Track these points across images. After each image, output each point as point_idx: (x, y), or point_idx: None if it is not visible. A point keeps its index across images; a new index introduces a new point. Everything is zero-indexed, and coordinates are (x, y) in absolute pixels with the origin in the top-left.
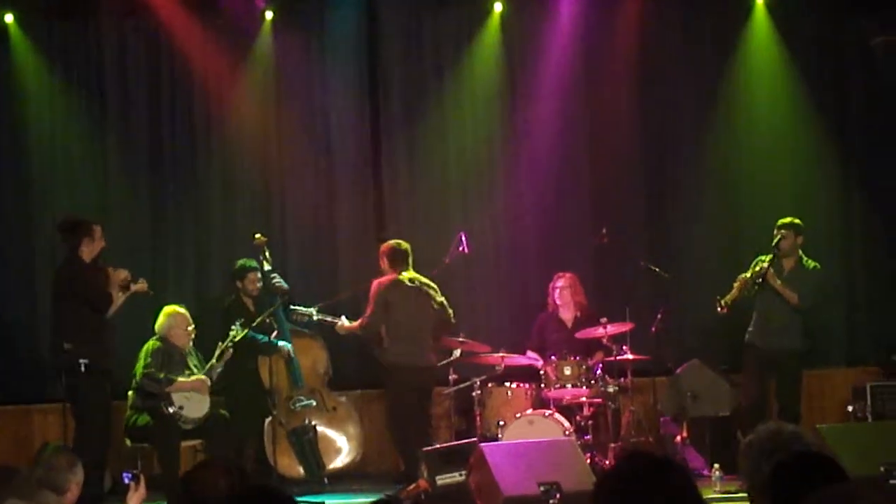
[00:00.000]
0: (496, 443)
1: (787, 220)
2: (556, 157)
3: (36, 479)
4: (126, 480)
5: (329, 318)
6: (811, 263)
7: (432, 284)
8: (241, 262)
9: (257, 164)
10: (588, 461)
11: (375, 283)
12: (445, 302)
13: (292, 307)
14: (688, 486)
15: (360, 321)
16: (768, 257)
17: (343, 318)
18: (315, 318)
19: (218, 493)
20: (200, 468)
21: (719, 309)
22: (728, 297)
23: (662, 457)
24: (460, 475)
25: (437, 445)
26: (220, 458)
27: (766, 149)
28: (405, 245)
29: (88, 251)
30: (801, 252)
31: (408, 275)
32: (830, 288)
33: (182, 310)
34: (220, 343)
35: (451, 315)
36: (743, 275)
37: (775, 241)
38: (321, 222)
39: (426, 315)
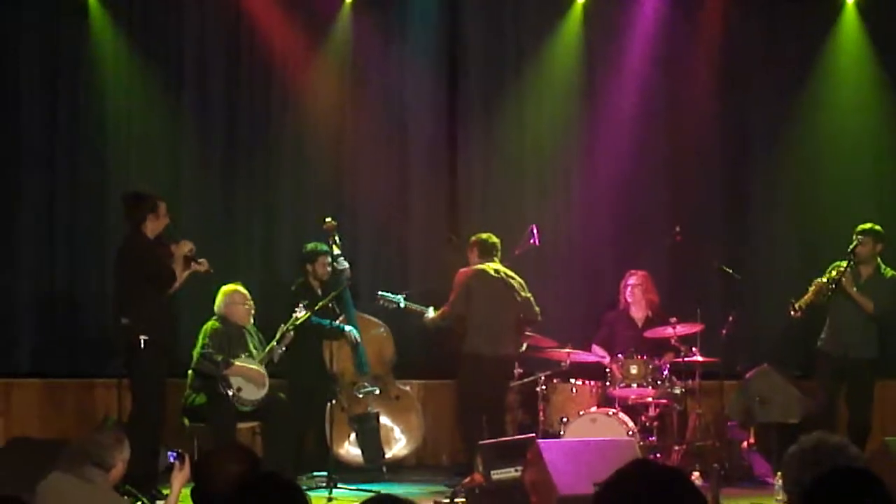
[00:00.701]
0: (554, 440)
1: (867, 226)
2: (634, 152)
3: (82, 453)
4: (171, 459)
5: (416, 307)
6: (889, 272)
7: (519, 279)
8: (312, 245)
9: (331, 148)
10: None
11: (461, 271)
12: (532, 299)
13: (380, 293)
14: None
15: (442, 309)
16: (845, 263)
17: (430, 309)
18: (402, 305)
19: (228, 479)
20: (213, 454)
21: (792, 312)
22: (802, 301)
23: (669, 469)
24: (516, 471)
25: (495, 439)
26: (234, 444)
27: (850, 153)
28: (495, 239)
29: (153, 227)
30: (879, 260)
31: (493, 266)
32: None
33: (240, 287)
34: (282, 325)
35: (538, 312)
36: (818, 279)
37: (852, 246)
38: (393, 210)
39: (508, 306)
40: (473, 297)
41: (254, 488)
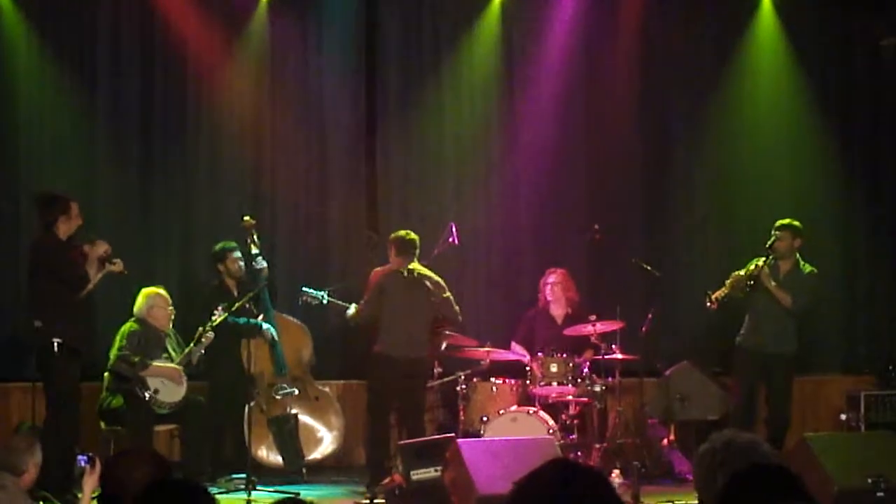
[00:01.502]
0: (473, 439)
1: (786, 221)
2: (553, 149)
3: None
4: (81, 463)
5: (340, 303)
6: (808, 267)
7: (437, 279)
8: (220, 244)
9: (248, 146)
10: None
11: (375, 271)
12: (452, 299)
13: (304, 289)
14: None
15: (357, 308)
16: (762, 259)
17: (353, 306)
18: (325, 301)
19: (135, 482)
20: (119, 458)
21: (708, 304)
22: (718, 293)
23: (585, 467)
24: (436, 471)
25: (413, 440)
26: (142, 447)
27: (767, 149)
28: (413, 236)
29: (65, 228)
30: (798, 255)
31: (411, 266)
32: (825, 293)
33: (162, 291)
34: (200, 327)
35: (458, 312)
36: (736, 272)
37: (770, 241)
38: (312, 208)
39: (420, 308)
40: (385, 298)
41: (159, 492)
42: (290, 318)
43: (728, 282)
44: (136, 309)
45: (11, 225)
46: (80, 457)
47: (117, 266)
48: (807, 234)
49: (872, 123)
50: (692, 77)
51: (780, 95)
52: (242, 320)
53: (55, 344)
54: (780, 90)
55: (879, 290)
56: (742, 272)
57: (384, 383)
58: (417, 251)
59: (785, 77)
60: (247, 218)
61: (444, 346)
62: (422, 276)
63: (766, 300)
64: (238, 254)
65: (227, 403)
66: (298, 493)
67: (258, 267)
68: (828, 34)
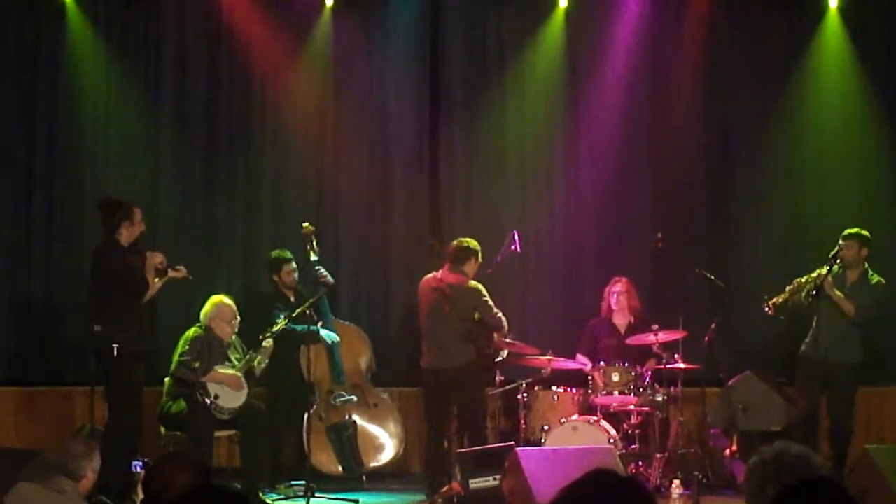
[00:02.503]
0: (532, 448)
1: (853, 230)
2: (617, 157)
3: (52, 463)
4: (137, 469)
5: None
6: (875, 278)
7: (466, 285)
8: (275, 253)
9: (312, 153)
10: (632, 471)
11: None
12: (490, 304)
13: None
14: None
15: None
16: (825, 269)
17: None
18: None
19: (176, 489)
20: (161, 465)
21: (766, 309)
22: (777, 298)
23: (628, 477)
24: (494, 479)
25: (473, 448)
26: (186, 453)
27: (833, 157)
28: (467, 244)
29: (127, 234)
30: (866, 265)
31: (439, 275)
32: (892, 303)
33: (228, 301)
34: (260, 335)
35: (500, 317)
36: (798, 279)
37: (835, 251)
38: (375, 215)
39: (443, 315)
40: (420, 310)
41: (197, 498)
42: (350, 324)
43: (788, 287)
44: (202, 315)
45: (75, 230)
46: (134, 462)
47: (180, 272)
48: (874, 243)
49: None
50: (757, 85)
51: (846, 102)
52: (301, 327)
53: (114, 349)
54: (847, 97)
55: None
56: (804, 278)
57: (426, 393)
58: (475, 257)
59: (851, 84)
60: (306, 225)
61: (503, 354)
62: (444, 285)
63: (830, 309)
64: (293, 265)
65: (287, 410)
66: (358, 501)
67: (319, 274)
68: (894, 40)
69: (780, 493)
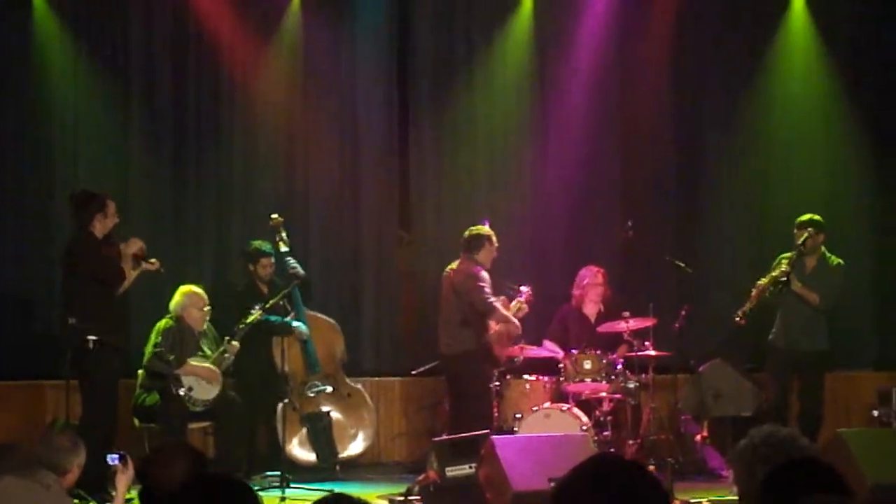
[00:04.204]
0: (507, 436)
1: (807, 217)
2: (586, 147)
3: (37, 457)
4: (113, 462)
5: None
6: (835, 260)
7: (465, 271)
8: (255, 244)
9: (281, 145)
10: None
11: None
12: (478, 287)
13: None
14: (656, 494)
15: None
16: (790, 255)
17: None
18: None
19: (173, 476)
20: (158, 453)
21: (738, 321)
22: (746, 308)
23: (631, 461)
24: (470, 467)
25: (448, 437)
26: (178, 442)
27: (798, 146)
28: (468, 232)
29: (101, 226)
30: (823, 249)
31: (455, 264)
32: (852, 285)
33: (198, 290)
34: (235, 325)
35: (484, 300)
36: (760, 281)
37: (803, 238)
38: (344, 207)
39: (446, 304)
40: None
41: (202, 488)
42: (322, 315)
43: (753, 293)
44: (172, 305)
45: (45, 223)
46: (110, 456)
47: (154, 265)
48: (829, 227)
49: None
50: (725, 73)
51: (812, 91)
52: (274, 318)
53: (90, 341)
54: (813, 86)
55: None
56: (765, 280)
57: (445, 380)
58: (471, 247)
59: (817, 73)
60: (274, 216)
61: (519, 359)
62: (452, 273)
63: (795, 299)
64: (271, 259)
65: (259, 401)
66: (333, 490)
67: (290, 265)
68: (859, 30)
69: (769, 474)
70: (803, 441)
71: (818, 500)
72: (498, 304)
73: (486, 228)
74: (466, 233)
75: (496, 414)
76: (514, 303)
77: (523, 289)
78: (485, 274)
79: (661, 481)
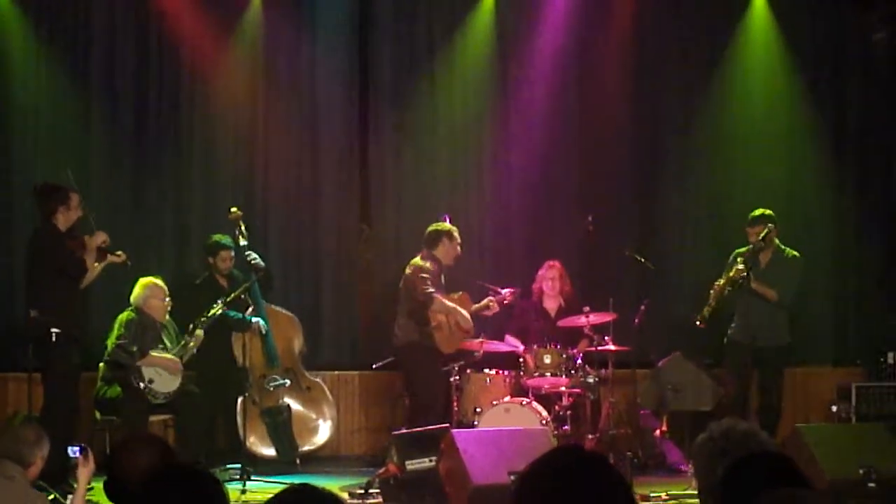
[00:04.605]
0: (467, 429)
1: (758, 212)
2: (545, 143)
3: (1, 449)
4: (74, 454)
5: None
6: (791, 253)
7: (412, 264)
8: (215, 237)
9: (242, 139)
10: None
11: None
12: (420, 278)
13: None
14: (619, 487)
15: None
16: (744, 250)
17: None
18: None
19: (140, 467)
20: (124, 444)
21: (698, 324)
22: (705, 311)
23: (593, 453)
24: (430, 461)
25: (408, 430)
26: (145, 433)
27: (760, 142)
28: (430, 228)
29: (64, 219)
30: (777, 242)
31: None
32: (811, 283)
33: (159, 282)
34: (195, 319)
35: (423, 290)
36: (718, 282)
37: (763, 234)
38: (305, 201)
39: (399, 295)
40: None
41: (167, 477)
42: (281, 309)
43: (712, 294)
44: (133, 298)
45: (5, 216)
46: (70, 448)
47: (120, 257)
48: (788, 224)
49: (864, 118)
50: (685, 71)
51: (772, 90)
52: (232, 313)
53: (53, 334)
54: (773, 85)
55: (870, 283)
56: (722, 281)
57: None
58: (428, 243)
59: (777, 72)
60: (234, 209)
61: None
62: (408, 265)
63: (753, 295)
64: (231, 253)
65: (218, 394)
66: (293, 483)
67: (250, 259)
68: (820, 29)
69: (729, 468)
70: (763, 435)
71: (778, 494)
72: (438, 296)
73: (445, 225)
74: (428, 229)
75: (455, 408)
76: (485, 300)
77: (505, 290)
78: (430, 266)
79: (622, 473)
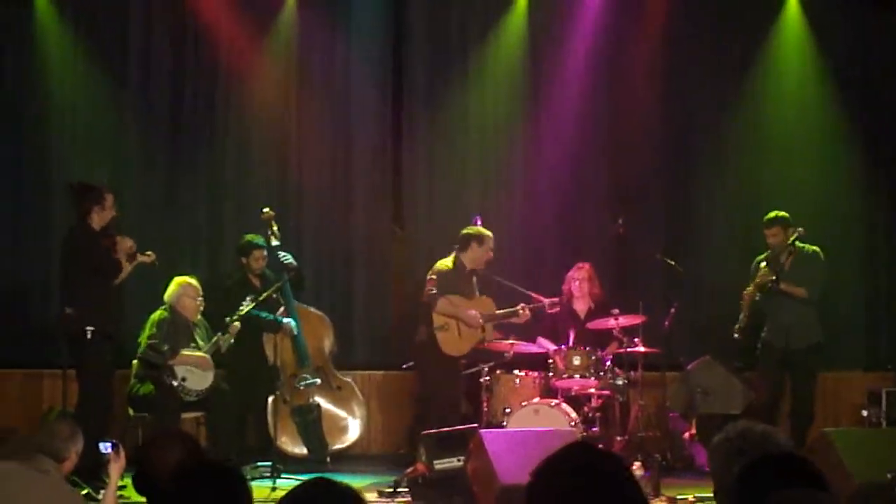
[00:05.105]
0: (496, 430)
1: (773, 215)
2: (577, 144)
3: (36, 444)
4: (105, 450)
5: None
6: (810, 248)
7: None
8: (248, 237)
9: (276, 141)
10: None
11: None
12: (428, 279)
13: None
14: (627, 483)
15: None
16: (765, 256)
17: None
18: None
19: (169, 464)
20: (154, 441)
21: (736, 336)
22: (742, 322)
23: (603, 450)
24: (458, 461)
25: (437, 430)
26: (174, 429)
27: (791, 145)
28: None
29: (99, 218)
30: (795, 242)
31: None
32: (842, 286)
33: (193, 281)
34: (227, 317)
35: (428, 292)
36: (746, 290)
37: (792, 238)
38: (337, 201)
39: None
40: None
41: (195, 474)
42: (313, 309)
43: (743, 305)
44: (166, 297)
45: (42, 215)
46: (102, 444)
47: (150, 257)
48: (819, 227)
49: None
50: (717, 72)
51: (804, 92)
52: (264, 314)
53: (88, 331)
54: (805, 87)
55: None
56: (751, 288)
57: None
58: (458, 246)
59: (810, 71)
60: (266, 210)
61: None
62: None
63: (781, 297)
64: (263, 252)
65: (250, 393)
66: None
67: (282, 258)
68: (851, 31)
69: (744, 468)
70: (779, 437)
71: (789, 494)
72: (443, 299)
73: (476, 228)
74: (461, 231)
75: (485, 408)
76: (515, 307)
77: (548, 300)
78: (449, 268)
79: (632, 472)
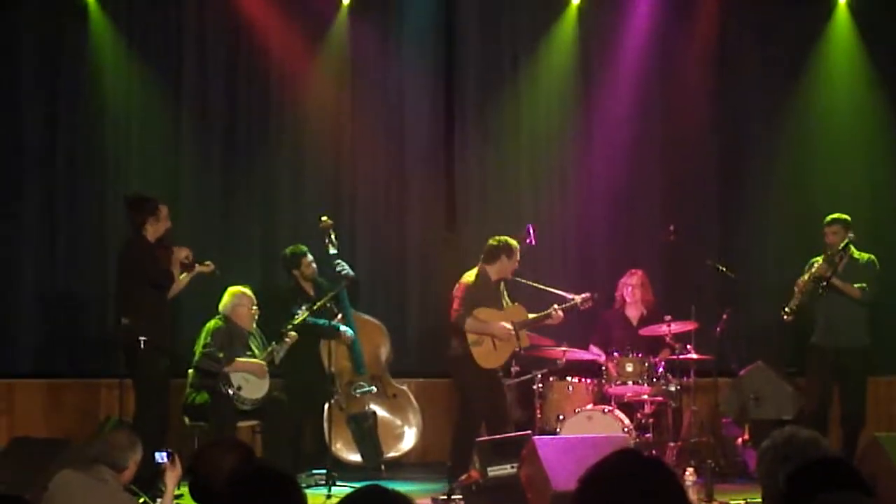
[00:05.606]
0: (548, 436)
1: (835, 215)
2: (629, 150)
3: (95, 453)
4: (161, 460)
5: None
6: (865, 255)
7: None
8: (290, 249)
9: (329, 149)
10: None
11: None
12: (456, 297)
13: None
14: (674, 491)
15: None
16: (819, 258)
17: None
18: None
19: (223, 471)
20: (208, 449)
21: (785, 318)
22: (792, 304)
23: (650, 457)
24: (512, 467)
25: (491, 437)
26: (228, 438)
27: (841, 152)
28: (490, 242)
29: (153, 230)
30: (851, 246)
31: None
32: (893, 289)
33: (247, 290)
34: (283, 326)
35: (455, 308)
36: (800, 279)
37: (844, 243)
38: (391, 209)
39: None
40: None
41: (250, 481)
42: (369, 317)
43: (797, 290)
44: (221, 306)
45: (97, 224)
46: (157, 453)
47: (208, 267)
48: (870, 229)
49: None
50: (768, 78)
51: (855, 95)
52: (322, 322)
53: (142, 342)
54: (856, 90)
55: None
56: (806, 277)
57: None
58: (487, 257)
59: (860, 77)
60: (324, 218)
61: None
62: None
63: (834, 296)
64: (310, 257)
65: (306, 401)
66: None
67: (338, 268)
68: None
69: (791, 474)
70: (825, 443)
71: (832, 498)
72: (470, 318)
73: (504, 239)
74: (489, 242)
75: (538, 415)
76: (547, 310)
77: (579, 297)
78: (474, 282)
79: (679, 478)
